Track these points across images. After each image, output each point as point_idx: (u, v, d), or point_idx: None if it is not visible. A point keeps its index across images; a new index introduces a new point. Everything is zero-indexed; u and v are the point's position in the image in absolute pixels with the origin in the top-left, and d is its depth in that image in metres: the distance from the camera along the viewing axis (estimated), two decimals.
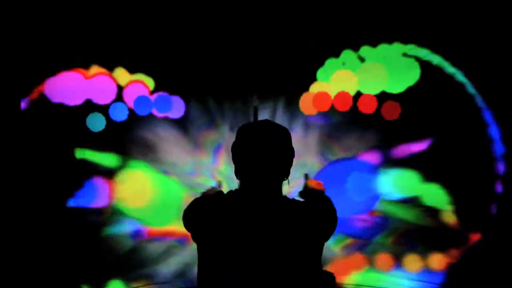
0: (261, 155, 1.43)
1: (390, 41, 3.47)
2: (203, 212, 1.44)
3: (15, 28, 3.33)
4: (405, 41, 3.47)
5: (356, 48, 3.50)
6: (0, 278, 3.18)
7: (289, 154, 1.48)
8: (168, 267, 3.47)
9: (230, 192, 1.48)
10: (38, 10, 3.33)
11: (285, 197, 1.48)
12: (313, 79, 3.55)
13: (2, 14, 3.28)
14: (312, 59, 3.51)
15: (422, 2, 3.40)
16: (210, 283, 1.42)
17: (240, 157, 1.46)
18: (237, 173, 1.47)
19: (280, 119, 3.53)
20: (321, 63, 3.53)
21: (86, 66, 3.45)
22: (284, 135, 1.47)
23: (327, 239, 1.47)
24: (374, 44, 3.47)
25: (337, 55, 3.53)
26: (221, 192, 1.51)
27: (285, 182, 1.49)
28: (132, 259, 3.46)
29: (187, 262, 3.44)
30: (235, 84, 3.51)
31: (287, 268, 1.39)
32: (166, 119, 3.56)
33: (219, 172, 3.51)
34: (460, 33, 3.36)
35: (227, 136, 3.54)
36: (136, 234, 3.50)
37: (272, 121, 1.49)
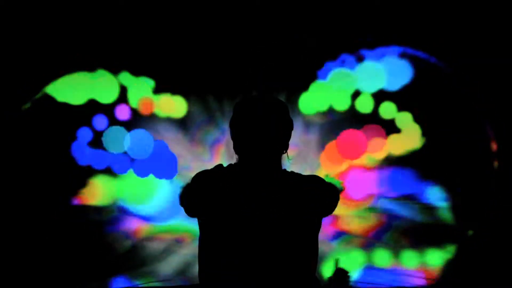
0: (258, 128, 1.44)
1: (389, 40, 3.50)
2: (201, 185, 1.45)
3: (19, 30, 3.34)
4: (404, 40, 3.50)
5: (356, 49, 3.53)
6: (3, 276, 3.19)
7: (287, 126, 1.49)
8: (169, 265, 3.48)
9: (230, 165, 1.50)
10: (41, 11, 3.34)
11: (285, 170, 1.49)
12: (313, 78, 3.58)
13: (7, 15, 3.29)
14: (312, 59, 3.52)
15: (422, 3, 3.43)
16: (210, 257, 1.43)
17: (238, 132, 1.47)
18: (236, 149, 1.48)
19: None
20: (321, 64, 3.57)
21: (90, 66, 3.47)
22: (281, 108, 1.48)
23: (326, 214, 1.49)
24: (374, 44, 3.50)
25: (337, 55, 3.56)
26: (221, 165, 1.51)
27: (284, 156, 1.50)
28: (133, 257, 3.47)
29: (188, 260, 3.45)
30: (235, 82, 3.51)
31: (285, 241, 1.40)
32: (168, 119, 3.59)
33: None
34: (455, 31, 3.41)
35: (227, 134, 3.56)
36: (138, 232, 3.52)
37: (268, 95, 1.51)
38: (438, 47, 3.48)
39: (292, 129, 1.51)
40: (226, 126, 3.56)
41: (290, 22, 3.50)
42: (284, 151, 1.50)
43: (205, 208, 1.43)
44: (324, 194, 1.47)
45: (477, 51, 3.36)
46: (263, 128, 1.44)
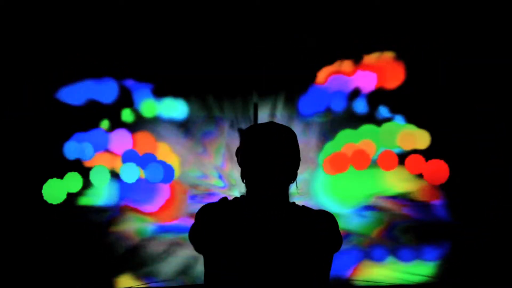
0: (267, 157, 1.41)
1: (388, 41, 3.50)
2: (205, 223, 1.43)
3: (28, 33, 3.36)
4: (403, 41, 3.50)
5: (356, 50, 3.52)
6: (5, 276, 3.21)
7: (295, 156, 1.47)
8: (170, 265, 3.49)
9: (236, 198, 1.48)
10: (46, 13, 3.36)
11: (294, 203, 1.47)
12: (313, 78, 3.59)
13: (15, 18, 3.31)
14: (312, 59, 3.53)
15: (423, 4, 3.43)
16: None
17: (246, 160, 1.45)
18: (243, 176, 1.46)
19: (280, 116, 3.57)
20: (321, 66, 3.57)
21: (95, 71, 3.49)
22: (290, 137, 1.46)
23: (335, 250, 1.44)
24: (374, 45, 3.50)
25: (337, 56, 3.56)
26: (226, 198, 1.49)
27: (292, 186, 1.48)
28: (135, 257, 3.49)
29: (189, 260, 3.45)
30: (235, 81, 3.52)
31: (293, 276, 1.36)
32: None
33: (217, 168, 3.57)
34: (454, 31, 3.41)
35: (227, 133, 3.55)
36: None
37: (277, 123, 1.48)
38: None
39: (299, 159, 1.48)
40: (225, 125, 3.60)
41: (290, 22, 3.49)
42: (292, 181, 1.47)
43: (211, 246, 1.41)
44: (335, 232, 1.43)
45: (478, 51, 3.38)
46: (272, 156, 1.41)
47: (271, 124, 1.47)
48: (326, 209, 1.47)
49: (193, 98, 3.60)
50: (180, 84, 3.55)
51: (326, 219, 1.44)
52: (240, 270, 1.37)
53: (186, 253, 3.43)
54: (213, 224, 1.41)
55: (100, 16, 3.44)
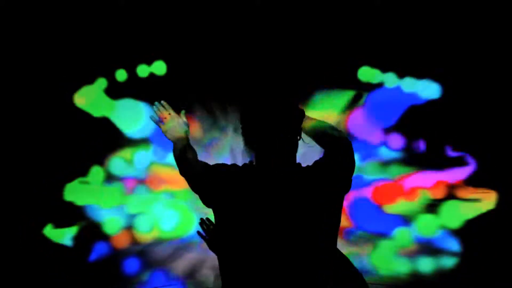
0: (270, 116, 1.49)
1: (388, 42, 3.46)
2: (220, 173, 1.51)
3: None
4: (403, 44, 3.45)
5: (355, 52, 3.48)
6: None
7: (297, 112, 1.54)
8: (176, 269, 3.48)
9: (245, 164, 1.56)
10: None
11: (300, 164, 1.54)
12: (314, 78, 3.54)
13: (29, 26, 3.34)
14: (312, 60, 3.48)
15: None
16: (231, 252, 1.46)
17: (250, 124, 1.53)
18: (249, 143, 1.54)
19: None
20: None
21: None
22: (287, 100, 1.54)
23: (344, 189, 1.51)
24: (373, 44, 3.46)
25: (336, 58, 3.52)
26: (235, 164, 1.58)
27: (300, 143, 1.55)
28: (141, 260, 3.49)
29: (195, 264, 3.43)
30: (237, 85, 3.49)
31: (305, 231, 1.42)
32: None
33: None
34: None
35: (230, 137, 3.53)
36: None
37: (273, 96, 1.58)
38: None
39: (303, 116, 1.55)
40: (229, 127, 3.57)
41: (290, 22, 3.47)
42: (298, 137, 1.54)
43: (223, 198, 1.46)
44: (340, 173, 1.50)
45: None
46: (274, 115, 1.49)
47: (269, 95, 1.57)
48: None
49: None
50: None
51: (325, 159, 1.53)
52: (253, 228, 1.42)
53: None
54: (227, 178, 1.49)
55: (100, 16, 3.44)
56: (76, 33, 3.43)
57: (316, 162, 1.54)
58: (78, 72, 3.46)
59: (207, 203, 1.54)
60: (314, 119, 1.68)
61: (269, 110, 1.50)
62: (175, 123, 1.76)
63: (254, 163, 1.53)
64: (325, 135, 1.62)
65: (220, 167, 1.56)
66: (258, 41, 3.47)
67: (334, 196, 1.48)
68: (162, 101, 1.84)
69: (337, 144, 1.56)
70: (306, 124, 1.63)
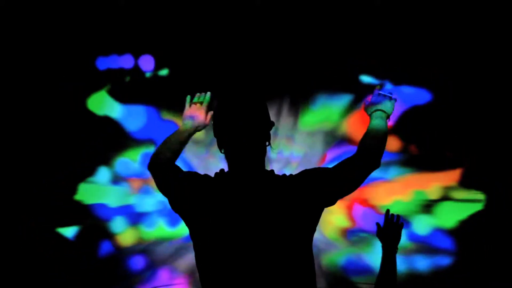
0: (239, 120, 1.46)
1: (388, 44, 3.48)
2: (191, 180, 1.49)
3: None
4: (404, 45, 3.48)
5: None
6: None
7: (266, 117, 1.52)
8: (174, 269, 3.53)
9: (216, 173, 1.55)
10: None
11: (272, 171, 1.52)
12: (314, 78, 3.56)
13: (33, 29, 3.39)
14: (312, 60, 3.50)
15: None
16: (207, 264, 1.48)
17: (219, 127, 1.52)
18: (220, 144, 1.53)
19: (286, 116, 3.50)
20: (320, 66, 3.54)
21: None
22: (259, 100, 1.53)
23: (327, 198, 1.45)
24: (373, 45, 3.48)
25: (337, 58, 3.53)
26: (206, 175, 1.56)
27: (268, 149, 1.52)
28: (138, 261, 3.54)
29: (193, 264, 3.48)
30: (238, 83, 3.50)
31: (281, 241, 1.38)
32: None
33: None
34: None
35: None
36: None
37: (246, 90, 1.61)
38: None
39: (272, 124, 1.53)
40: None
41: (290, 22, 3.48)
42: (267, 143, 1.52)
43: (194, 208, 1.44)
44: (320, 177, 1.45)
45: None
46: (244, 118, 1.47)
47: (240, 93, 1.55)
48: None
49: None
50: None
51: (304, 173, 1.48)
52: (227, 239, 1.40)
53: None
54: (196, 188, 1.46)
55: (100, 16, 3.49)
56: (76, 33, 3.48)
57: (305, 171, 1.49)
58: (78, 72, 3.51)
59: (174, 208, 1.53)
60: (384, 121, 1.62)
61: (236, 112, 1.48)
62: (197, 114, 1.74)
63: (224, 170, 1.52)
64: (366, 140, 1.55)
65: (191, 174, 1.53)
66: (258, 41, 3.48)
67: (312, 208, 1.43)
68: (208, 92, 1.84)
69: (362, 157, 1.48)
70: (372, 120, 1.61)
